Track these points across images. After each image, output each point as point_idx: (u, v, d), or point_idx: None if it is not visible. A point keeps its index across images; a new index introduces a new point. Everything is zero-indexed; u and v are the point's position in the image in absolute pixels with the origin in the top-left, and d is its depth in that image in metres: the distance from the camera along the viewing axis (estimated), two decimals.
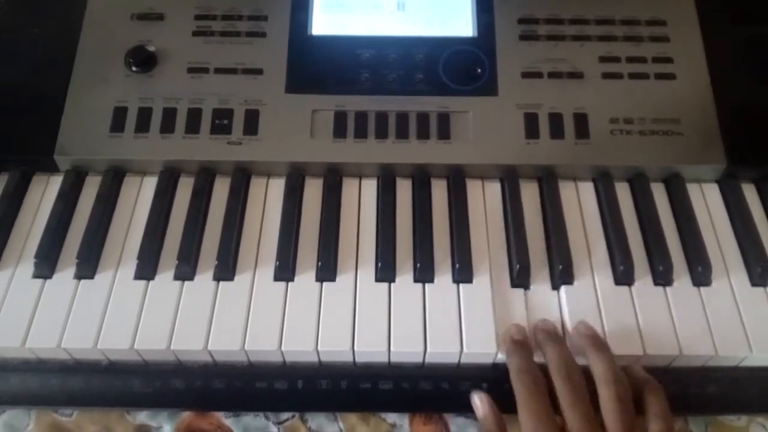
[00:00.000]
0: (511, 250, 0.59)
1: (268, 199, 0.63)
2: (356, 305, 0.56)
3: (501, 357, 0.54)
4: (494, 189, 0.63)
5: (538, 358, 0.53)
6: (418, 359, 0.56)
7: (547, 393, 0.50)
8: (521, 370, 0.51)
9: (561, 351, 0.52)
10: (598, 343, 0.53)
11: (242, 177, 0.63)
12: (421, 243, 0.59)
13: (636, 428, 0.48)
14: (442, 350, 0.54)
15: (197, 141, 0.63)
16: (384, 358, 0.56)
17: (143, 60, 0.65)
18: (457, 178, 0.63)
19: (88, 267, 0.58)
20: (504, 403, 0.53)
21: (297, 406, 0.57)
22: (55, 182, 0.63)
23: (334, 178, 0.63)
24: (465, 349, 0.54)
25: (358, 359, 0.56)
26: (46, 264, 0.58)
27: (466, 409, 0.56)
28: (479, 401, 0.54)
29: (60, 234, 0.60)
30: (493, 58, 0.66)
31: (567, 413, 0.49)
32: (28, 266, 0.58)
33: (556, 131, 0.63)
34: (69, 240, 0.60)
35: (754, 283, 0.58)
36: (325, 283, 0.57)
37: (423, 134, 0.63)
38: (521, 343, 0.54)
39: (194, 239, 0.59)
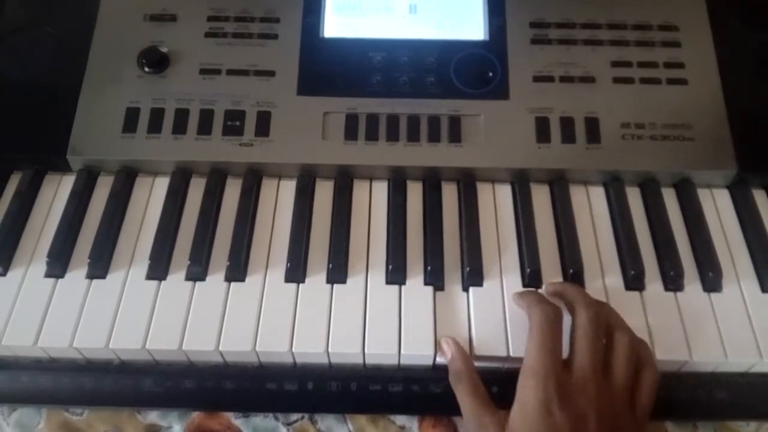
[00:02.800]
0: (522, 254, 0.59)
1: (279, 200, 0.63)
2: (367, 307, 0.57)
3: (512, 359, 0.54)
4: (505, 192, 0.64)
5: None
6: (428, 362, 0.56)
7: (562, 332, 0.50)
8: (540, 300, 0.52)
9: (588, 295, 0.53)
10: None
11: (254, 178, 0.63)
12: (432, 246, 0.59)
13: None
14: None
15: (209, 142, 0.63)
16: (394, 361, 0.56)
17: (156, 61, 0.65)
18: (468, 182, 0.63)
19: (100, 267, 0.58)
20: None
21: (307, 407, 0.58)
22: (68, 182, 0.64)
23: (345, 180, 0.63)
24: (475, 353, 0.54)
25: (368, 361, 0.56)
26: (58, 263, 0.58)
27: None
28: (446, 345, 0.54)
29: (72, 234, 0.61)
30: (505, 61, 0.66)
31: (579, 346, 0.49)
32: (40, 265, 0.59)
33: (568, 135, 0.63)
34: (81, 240, 0.60)
35: (764, 289, 0.59)
36: (335, 285, 0.58)
37: (434, 137, 0.63)
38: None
39: (206, 240, 0.60)
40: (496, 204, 0.63)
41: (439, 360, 0.55)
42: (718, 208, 0.63)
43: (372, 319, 0.56)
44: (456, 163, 0.63)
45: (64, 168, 0.64)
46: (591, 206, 0.63)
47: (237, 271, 0.58)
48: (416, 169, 0.63)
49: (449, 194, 0.63)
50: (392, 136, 0.63)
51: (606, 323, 0.51)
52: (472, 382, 0.52)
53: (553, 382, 0.47)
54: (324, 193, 0.63)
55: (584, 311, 0.51)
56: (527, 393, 0.48)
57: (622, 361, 0.49)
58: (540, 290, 0.57)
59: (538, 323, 0.50)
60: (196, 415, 0.58)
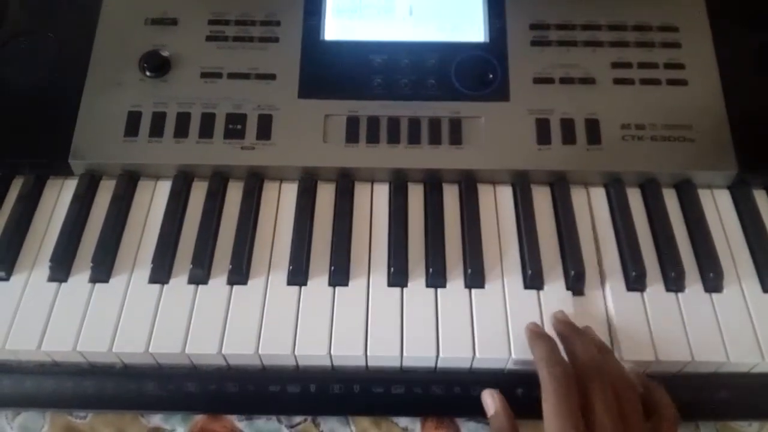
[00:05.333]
0: (523, 256, 0.60)
1: (281, 203, 0.63)
2: (369, 310, 0.57)
3: (514, 360, 0.55)
4: (506, 194, 0.64)
5: None
6: (431, 364, 0.56)
7: (575, 387, 0.49)
8: (551, 361, 0.50)
9: (587, 345, 0.52)
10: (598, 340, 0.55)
11: (255, 181, 0.63)
12: (433, 248, 0.59)
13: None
14: (455, 355, 0.55)
15: (211, 146, 0.63)
16: (396, 363, 0.56)
17: (157, 65, 0.65)
18: (469, 183, 0.63)
19: (102, 271, 0.58)
20: (516, 408, 0.53)
21: (309, 409, 0.58)
22: (70, 186, 0.64)
23: (346, 183, 0.63)
24: (477, 354, 0.54)
25: (370, 363, 0.56)
26: (61, 267, 0.59)
27: (478, 414, 0.56)
28: (490, 398, 0.54)
29: (75, 238, 0.61)
30: (505, 63, 0.66)
31: (596, 405, 0.48)
32: (43, 270, 0.59)
33: (568, 137, 0.63)
34: (84, 244, 0.61)
35: (765, 290, 0.59)
36: (337, 288, 0.58)
37: (435, 139, 0.63)
38: (544, 335, 0.54)
39: (208, 243, 0.60)
40: (497, 206, 0.63)
41: (442, 363, 0.55)
42: (719, 208, 0.63)
43: (374, 321, 0.56)
44: (457, 165, 0.63)
45: (66, 172, 0.64)
46: (592, 207, 0.63)
47: (239, 275, 0.58)
48: (417, 171, 0.63)
49: (450, 196, 0.63)
50: (393, 138, 0.64)
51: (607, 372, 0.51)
52: None
53: None
54: (325, 195, 0.63)
55: (590, 369, 0.49)
56: None
57: (632, 409, 0.49)
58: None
59: (551, 388, 0.48)
60: (199, 418, 0.58)
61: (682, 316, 0.57)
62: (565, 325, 0.55)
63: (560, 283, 0.58)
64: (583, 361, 0.50)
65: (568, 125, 0.64)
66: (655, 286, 0.58)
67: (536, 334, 0.54)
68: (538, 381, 0.50)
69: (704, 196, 0.63)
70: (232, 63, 0.66)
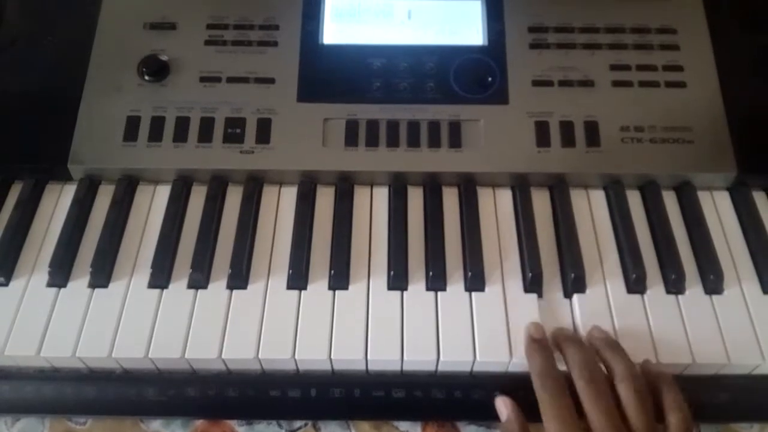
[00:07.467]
0: (523, 259, 0.59)
1: (280, 207, 0.63)
2: (369, 313, 0.57)
3: (514, 364, 0.55)
4: (505, 197, 0.64)
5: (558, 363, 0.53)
6: (431, 368, 0.56)
7: (569, 395, 0.50)
8: (543, 373, 0.51)
9: (582, 352, 0.52)
10: (613, 343, 0.54)
11: (255, 185, 0.63)
12: (433, 251, 0.59)
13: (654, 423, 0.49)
14: (455, 359, 0.55)
15: (210, 150, 0.63)
16: (397, 367, 0.56)
17: (156, 69, 0.65)
18: (469, 186, 0.63)
19: (102, 276, 0.58)
20: None
21: (310, 414, 0.58)
22: (69, 191, 0.64)
23: (345, 187, 0.63)
24: (478, 358, 0.54)
25: (371, 367, 0.56)
26: (60, 273, 0.58)
27: (479, 418, 0.56)
28: (503, 405, 0.54)
29: (74, 243, 0.61)
30: (504, 66, 0.66)
31: (590, 412, 0.48)
32: (42, 275, 0.59)
33: (567, 139, 0.63)
34: (83, 249, 0.60)
35: (766, 291, 0.59)
36: (337, 292, 0.58)
37: (434, 142, 0.63)
38: (541, 344, 0.54)
39: (207, 248, 0.60)
40: (497, 208, 0.63)
41: (443, 367, 0.55)
42: (719, 210, 0.63)
43: (374, 325, 0.56)
44: (456, 168, 0.63)
45: (65, 177, 0.64)
46: (591, 210, 0.63)
47: (239, 279, 0.58)
48: (417, 174, 0.63)
49: (450, 199, 0.63)
50: (392, 141, 0.64)
51: (612, 368, 0.51)
52: None
53: None
54: (325, 199, 0.63)
55: (580, 379, 0.50)
56: None
57: (633, 413, 0.49)
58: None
59: (544, 399, 0.50)
60: (199, 423, 0.58)
61: (683, 319, 0.57)
62: (562, 336, 0.55)
63: (560, 286, 0.58)
64: (576, 369, 0.51)
65: (567, 128, 0.64)
66: (656, 289, 0.58)
67: (532, 346, 0.54)
68: None
69: (704, 197, 0.63)
70: (230, 67, 0.66)
